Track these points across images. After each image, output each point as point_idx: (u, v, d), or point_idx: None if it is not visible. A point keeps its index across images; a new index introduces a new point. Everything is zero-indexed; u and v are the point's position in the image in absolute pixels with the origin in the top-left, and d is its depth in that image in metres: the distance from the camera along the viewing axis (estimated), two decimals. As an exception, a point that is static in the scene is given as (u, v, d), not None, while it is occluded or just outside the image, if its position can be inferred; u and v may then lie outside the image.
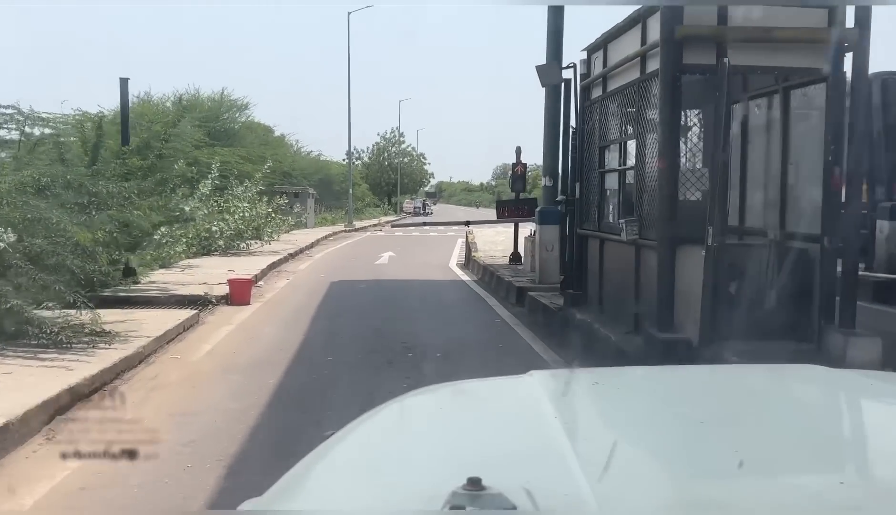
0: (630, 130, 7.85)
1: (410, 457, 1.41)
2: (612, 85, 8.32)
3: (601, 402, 1.75)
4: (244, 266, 17.14)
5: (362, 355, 8.64)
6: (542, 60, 12.75)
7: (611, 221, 8.52)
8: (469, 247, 19.40)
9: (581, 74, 9.30)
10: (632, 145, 8.00)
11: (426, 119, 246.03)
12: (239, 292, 12.79)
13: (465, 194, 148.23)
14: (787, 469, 1.28)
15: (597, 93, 8.91)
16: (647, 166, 7.14)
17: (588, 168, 9.17)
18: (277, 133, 49.95)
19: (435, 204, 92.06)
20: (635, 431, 1.49)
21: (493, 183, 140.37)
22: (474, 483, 1.04)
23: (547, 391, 1.70)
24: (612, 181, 8.49)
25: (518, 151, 16.55)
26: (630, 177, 7.98)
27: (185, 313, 10.69)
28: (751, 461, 1.24)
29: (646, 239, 7.16)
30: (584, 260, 9.44)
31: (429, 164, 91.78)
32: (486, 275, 15.90)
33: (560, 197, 12.01)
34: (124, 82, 13.52)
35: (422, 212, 75.45)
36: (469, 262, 18.94)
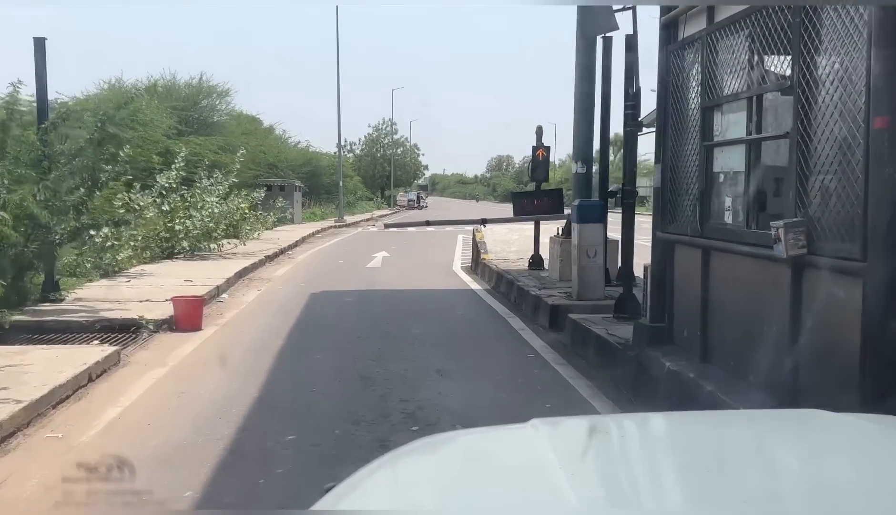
0: (774, 76, 4.85)
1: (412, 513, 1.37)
2: (730, 10, 5.33)
3: (605, 452, 1.70)
4: (207, 273, 14.14)
5: (342, 430, 5.66)
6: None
7: (727, 221, 5.52)
8: (477, 247, 16.41)
9: (664, 6, 6.29)
10: (774, 102, 5.02)
11: (420, 110, 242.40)
12: (186, 315, 9.79)
13: (459, 186, 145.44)
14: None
15: (695, 27, 5.90)
16: (825, 132, 4.15)
17: (678, 142, 6.18)
18: (266, 124, 47.12)
19: (427, 197, 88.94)
20: (640, 481, 1.48)
21: (488, 175, 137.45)
22: None
23: (550, 441, 1.65)
24: (730, 159, 5.50)
25: (539, 132, 13.55)
26: (774, 152, 4.98)
27: (97, 353, 7.68)
28: (755, 511, 1.27)
29: (820, 255, 4.19)
30: (670, 278, 6.46)
31: (423, 155, 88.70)
32: (502, 284, 12.91)
33: (613, 187, 9.02)
34: (39, 43, 10.46)
35: (416, 205, 72.48)
36: (478, 265, 15.94)
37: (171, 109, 32.18)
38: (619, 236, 11.29)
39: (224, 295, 12.75)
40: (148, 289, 12.08)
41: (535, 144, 13.59)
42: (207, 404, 6.33)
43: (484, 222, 11.47)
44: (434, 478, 1.60)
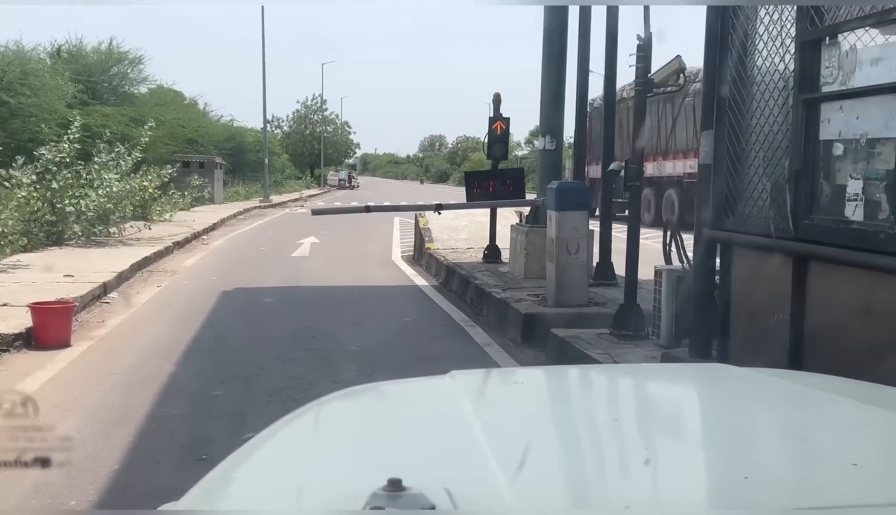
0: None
1: (331, 459, 1.40)
2: None
3: (520, 402, 1.74)
4: (98, 265, 11.68)
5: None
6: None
7: (850, 218, 3.55)
8: (420, 234, 14.30)
9: None
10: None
11: (351, 87, 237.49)
12: (47, 328, 7.45)
13: (391, 166, 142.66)
14: (693, 465, 1.33)
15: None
16: None
17: (743, 98, 4.19)
18: (189, 98, 43.89)
19: (358, 176, 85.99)
20: (552, 430, 1.51)
21: (421, 156, 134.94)
22: (394, 484, 1.04)
23: (468, 391, 1.70)
24: (860, 120, 3.50)
25: (496, 100, 11.48)
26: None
27: None
28: (659, 457, 1.32)
29: None
30: (725, 294, 4.50)
31: (354, 133, 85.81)
32: (454, 280, 10.85)
33: (614, 164, 7.00)
34: None
35: (347, 185, 69.85)
36: (421, 255, 13.84)
37: (75, 76, 29.16)
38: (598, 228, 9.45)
39: (113, 293, 10.35)
40: (13, 288, 9.60)
41: (491, 116, 11.52)
42: (35, 487, 4.09)
43: (439, 208, 9.39)
44: (352, 426, 1.64)
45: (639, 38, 6.16)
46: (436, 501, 1.04)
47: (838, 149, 3.72)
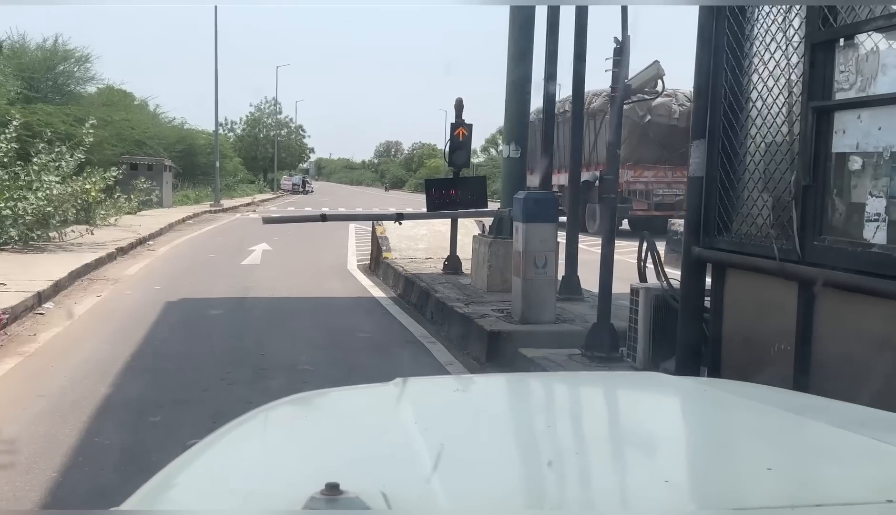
0: None
1: (272, 464, 1.41)
2: None
3: (461, 409, 1.77)
4: (33, 272, 10.97)
5: None
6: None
7: (872, 240, 3.17)
8: (377, 242, 13.79)
9: None
10: None
11: (306, 90, 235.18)
12: (-31, 343, 6.82)
13: (346, 171, 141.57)
14: (618, 468, 1.40)
15: None
16: None
17: (740, 106, 3.81)
18: (138, 99, 42.61)
19: (312, 182, 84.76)
20: (489, 436, 1.53)
21: (377, 161, 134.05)
22: (332, 488, 1.07)
23: (411, 398, 1.73)
24: (882, 131, 3.10)
25: (459, 105, 11.05)
26: None
27: None
28: (589, 463, 1.38)
29: None
30: (716, 316, 4.13)
31: (308, 137, 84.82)
32: (413, 292, 10.38)
33: (588, 175, 6.62)
34: None
35: (301, 190, 68.88)
36: (378, 265, 13.35)
37: (18, 72, 27.99)
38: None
39: (48, 304, 9.67)
40: (-65, 298, 8.89)
41: (453, 121, 11.08)
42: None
43: (400, 218, 8.89)
44: (296, 431, 1.67)
45: (616, 40, 5.79)
46: (371, 504, 1.07)
47: (855, 163, 3.36)
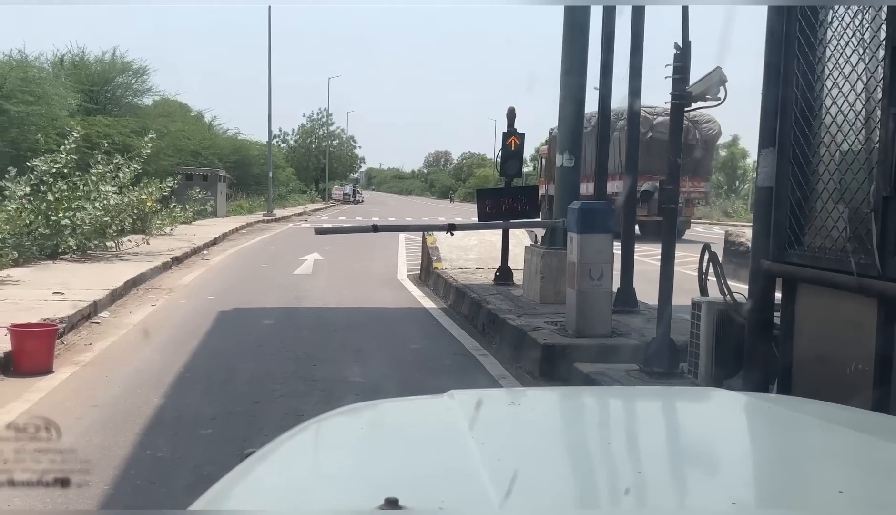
0: None
1: (330, 477, 1.41)
2: None
3: (517, 423, 1.75)
4: (90, 281, 11.14)
5: None
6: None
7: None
8: (428, 253, 13.72)
9: None
10: None
11: (357, 101, 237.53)
12: (27, 352, 6.89)
13: (395, 181, 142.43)
14: (681, 489, 1.34)
15: None
16: None
17: (812, 112, 3.61)
18: (195, 111, 43.46)
19: (362, 191, 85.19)
20: (547, 452, 1.51)
21: (426, 171, 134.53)
22: (391, 504, 1.05)
23: (465, 411, 1.68)
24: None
25: (511, 114, 10.94)
26: None
27: None
28: (649, 481, 1.33)
29: None
30: (786, 333, 3.91)
31: (359, 147, 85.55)
32: (464, 303, 10.27)
33: (647, 185, 6.43)
34: None
35: (352, 199, 69.48)
36: (428, 275, 13.27)
37: (78, 85, 28.72)
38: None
39: (104, 313, 9.79)
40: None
41: (505, 131, 10.97)
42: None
43: (452, 228, 8.76)
44: (351, 443, 1.64)
45: (676, 46, 5.61)
46: None
47: None
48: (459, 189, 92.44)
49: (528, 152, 79.23)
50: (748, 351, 4.18)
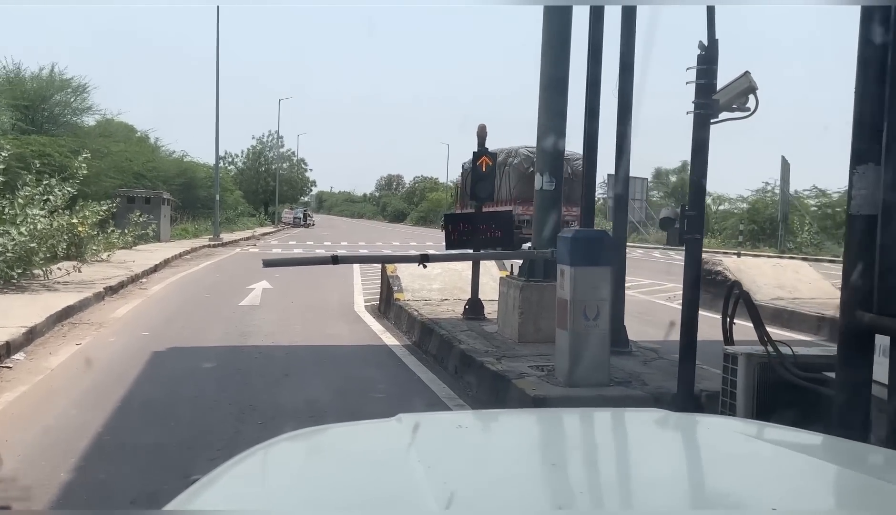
0: None
1: (276, 503, 1.40)
2: None
3: (463, 446, 1.76)
4: (7, 318, 9.80)
5: None
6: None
7: None
8: (388, 282, 12.63)
9: None
10: None
11: (309, 124, 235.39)
12: None
13: (347, 204, 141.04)
14: (622, 507, 1.36)
15: None
16: None
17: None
18: (140, 132, 41.79)
19: (313, 215, 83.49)
20: (492, 473, 1.52)
21: (378, 194, 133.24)
22: None
23: (414, 434, 1.71)
24: None
25: (482, 133, 9.97)
26: None
27: None
28: (591, 502, 1.36)
29: None
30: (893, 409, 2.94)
31: (310, 170, 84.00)
32: (431, 340, 9.21)
33: (667, 211, 5.44)
34: None
35: (303, 223, 67.94)
36: (389, 307, 12.18)
37: (13, 102, 27.05)
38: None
39: (18, 355, 8.49)
40: None
41: (476, 150, 9.99)
42: None
43: (425, 260, 7.66)
44: (298, 468, 1.64)
45: (701, 45, 4.68)
46: None
47: None
48: (412, 213, 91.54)
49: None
50: (837, 421, 3.20)
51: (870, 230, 2.96)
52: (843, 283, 3.12)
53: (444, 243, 9.44)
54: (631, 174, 8.07)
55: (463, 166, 34.24)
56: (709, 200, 42.69)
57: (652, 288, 17.26)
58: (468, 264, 11.12)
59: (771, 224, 35.62)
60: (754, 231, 37.03)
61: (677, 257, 29.87)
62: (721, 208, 43.91)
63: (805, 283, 13.56)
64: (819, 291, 13.21)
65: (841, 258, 3.31)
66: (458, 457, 1.63)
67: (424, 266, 8.05)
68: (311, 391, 7.28)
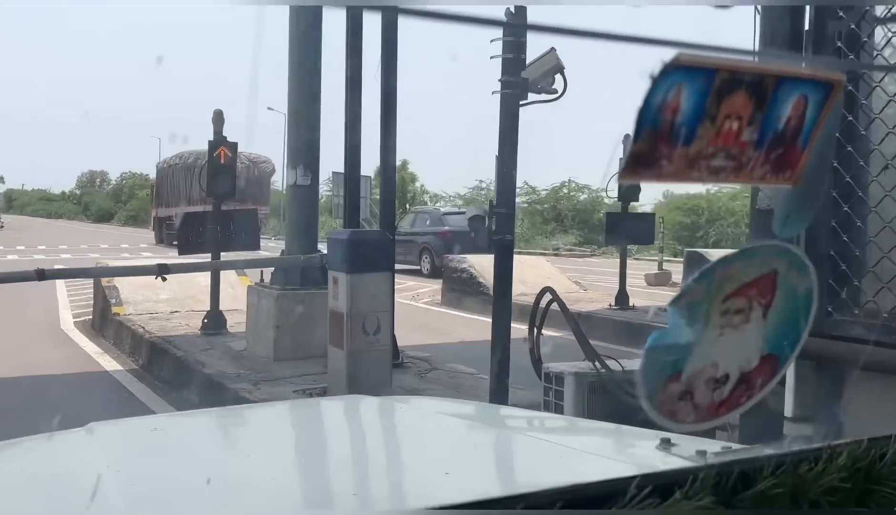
0: None
1: None
2: None
3: (157, 450, 1.69)
4: None
5: None
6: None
7: None
8: (103, 293, 10.78)
9: None
10: None
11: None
12: None
13: (43, 203, 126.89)
14: (310, 487, 1.42)
15: None
16: None
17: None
18: None
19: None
20: (184, 473, 1.48)
21: (79, 192, 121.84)
22: None
23: (105, 443, 1.66)
24: None
25: (218, 118, 8.66)
26: None
27: None
28: (301, 484, 1.43)
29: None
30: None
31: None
32: (165, 363, 7.81)
33: (474, 209, 4.27)
34: None
35: (-14, 226, 59.71)
36: (106, 323, 10.41)
37: None
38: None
39: None
40: None
41: (211, 139, 8.66)
42: None
43: (164, 271, 6.26)
44: None
45: (508, 12, 3.99)
46: None
47: None
48: (120, 212, 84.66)
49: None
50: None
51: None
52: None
53: (156, 245, 8.06)
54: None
55: (157, 166, 34.41)
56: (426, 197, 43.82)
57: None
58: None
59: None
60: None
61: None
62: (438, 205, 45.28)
63: (545, 279, 13.77)
64: (560, 286, 13.49)
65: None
66: (149, 461, 1.59)
67: (164, 279, 6.69)
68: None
